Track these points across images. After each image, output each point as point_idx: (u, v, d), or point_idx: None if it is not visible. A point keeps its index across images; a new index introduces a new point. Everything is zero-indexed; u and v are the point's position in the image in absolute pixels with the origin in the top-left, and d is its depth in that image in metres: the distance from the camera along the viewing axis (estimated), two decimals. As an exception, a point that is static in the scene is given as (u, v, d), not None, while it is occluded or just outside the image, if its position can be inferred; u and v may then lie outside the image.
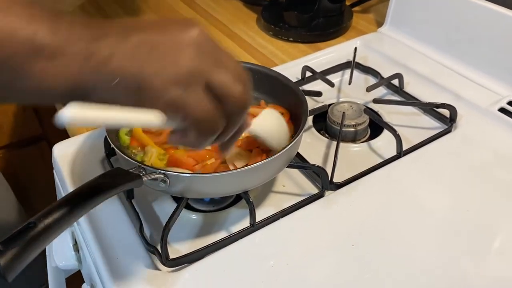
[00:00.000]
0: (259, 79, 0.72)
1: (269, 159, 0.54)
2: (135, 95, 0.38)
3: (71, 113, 0.36)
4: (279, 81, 0.69)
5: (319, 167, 0.63)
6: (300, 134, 0.59)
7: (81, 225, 0.62)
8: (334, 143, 0.74)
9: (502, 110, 0.75)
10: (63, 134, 0.83)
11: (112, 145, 0.57)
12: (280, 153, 0.55)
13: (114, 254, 0.57)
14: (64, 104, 0.37)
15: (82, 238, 0.63)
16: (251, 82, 0.44)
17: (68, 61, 0.37)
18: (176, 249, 0.58)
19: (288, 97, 0.68)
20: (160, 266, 0.55)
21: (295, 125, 0.67)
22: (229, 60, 0.42)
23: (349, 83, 0.82)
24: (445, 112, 0.75)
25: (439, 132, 0.72)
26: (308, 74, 0.86)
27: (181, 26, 0.40)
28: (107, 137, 0.59)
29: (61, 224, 0.41)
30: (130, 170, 0.52)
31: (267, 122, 0.60)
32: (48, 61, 0.36)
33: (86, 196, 0.44)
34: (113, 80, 0.38)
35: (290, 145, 0.57)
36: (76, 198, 0.43)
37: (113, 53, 0.37)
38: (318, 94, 0.78)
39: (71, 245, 0.67)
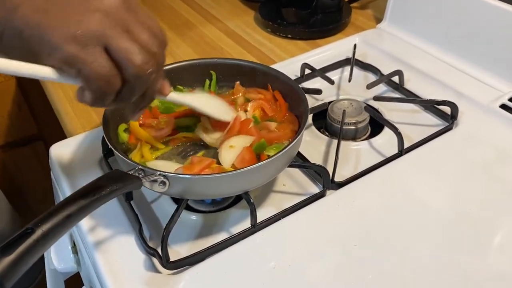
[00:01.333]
0: (258, 77, 0.71)
1: (270, 159, 0.54)
2: (35, 46, 0.41)
3: None
4: (279, 79, 0.68)
5: (320, 166, 0.62)
6: (301, 133, 0.58)
7: (80, 227, 0.61)
8: (335, 141, 0.73)
9: (503, 106, 0.74)
10: (59, 134, 0.82)
11: (110, 146, 0.56)
12: (281, 153, 0.54)
13: (114, 256, 0.56)
14: None
15: (81, 240, 0.62)
16: (163, 57, 0.47)
17: None
18: (176, 251, 0.57)
19: (288, 96, 0.68)
20: (161, 268, 0.55)
21: (297, 124, 0.66)
22: (143, 33, 0.44)
23: (349, 81, 0.81)
24: (446, 109, 0.74)
25: (440, 130, 0.72)
26: (307, 71, 0.85)
27: None
28: (105, 137, 0.58)
29: (59, 229, 0.40)
30: (128, 172, 0.51)
31: (199, 95, 0.63)
32: None
33: (84, 200, 0.43)
34: (17, 29, 0.41)
35: (291, 144, 0.56)
36: (74, 203, 0.42)
37: (23, 3, 0.40)
38: (318, 92, 0.77)
39: (70, 247, 0.66)
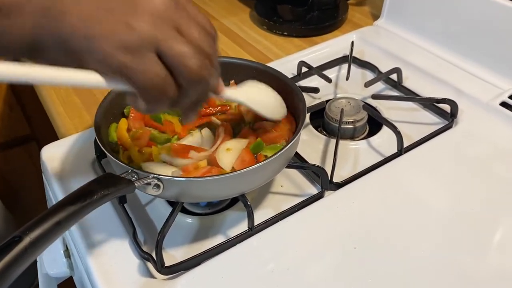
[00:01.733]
0: (254, 75, 0.69)
1: (267, 160, 0.52)
2: (84, 56, 0.39)
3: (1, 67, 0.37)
4: (276, 78, 0.66)
5: (318, 167, 0.61)
6: (299, 133, 0.56)
7: (72, 231, 0.59)
8: (332, 140, 0.72)
9: (503, 104, 0.73)
10: (52, 134, 0.80)
11: (102, 148, 0.55)
12: (279, 153, 0.53)
13: (107, 261, 0.55)
14: (18, 60, 0.39)
15: (73, 244, 0.60)
16: (216, 54, 0.44)
17: (24, 18, 0.38)
18: (171, 255, 0.56)
19: (285, 95, 0.66)
20: (156, 273, 0.53)
21: (294, 123, 0.64)
22: (195, 31, 0.41)
23: (347, 79, 0.80)
24: (446, 107, 0.73)
25: (439, 128, 0.71)
26: (304, 69, 0.83)
27: None
28: (97, 139, 0.56)
29: (48, 237, 0.39)
30: (121, 175, 0.50)
31: (251, 89, 0.59)
32: (4, 18, 0.38)
33: (75, 206, 0.41)
34: (65, 39, 0.38)
35: (289, 145, 0.54)
36: (63, 209, 0.40)
37: (67, 12, 0.38)
38: (315, 90, 0.75)
39: (62, 251, 0.65)
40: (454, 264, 0.53)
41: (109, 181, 0.46)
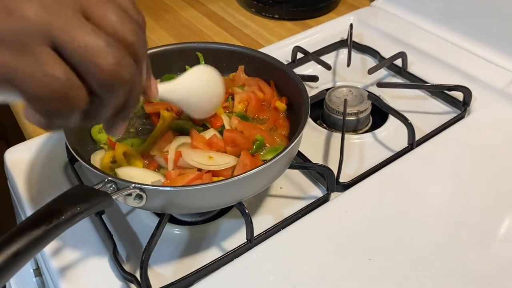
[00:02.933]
0: (245, 63, 0.62)
1: (269, 163, 0.45)
2: None
3: None
4: (271, 66, 0.59)
5: (323, 166, 0.54)
6: (302, 132, 0.49)
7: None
8: (334, 134, 0.65)
9: (519, 90, 0.67)
10: (20, 135, 0.71)
11: (73, 152, 0.47)
12: (281, 155, 0.45)
13: (83, 285, 0.47)
14: None
15: (44, 264, 0.52)
16: (143, 45, 0.32)
17: None
18: (159, 274, 0.48)
19: (282, 85, 0.59)
20: (141, 298, 0.46)
21: (293, 116, 0.57)
22: (111, 15, 0.30)
23: (348, 65, 0.72)
24: (457, 95, 0.67)
25: (452, 118, 0.64)
26: (299, 55, 0.76)
27: None
28: (67, 142, 0.48)
29: (5, 271, 0.31)
30: (95, 186, 0.41)
31: (189, 83, 0.50)
32: None
33: (38, 230, 0.33)
34: None
35: (292, 144, 0.47)
36: (22, 235, 0.32)
37: None
38: (314, 79, 0.68)
39: (32, 270, 0.56)
40: (486, 269, 0.47)
41: (80, 196, 0.38)
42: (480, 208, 0.53)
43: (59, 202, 0.36)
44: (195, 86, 0.50)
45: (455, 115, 0.65)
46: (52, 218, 0.34)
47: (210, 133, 0.52)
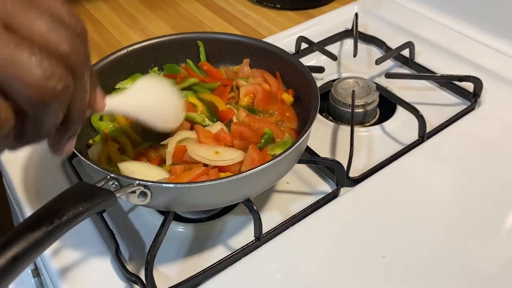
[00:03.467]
0: (249, 54, 0.59)
1: (278, 158, 0.43)
2: None
3: None
4: (277, 56, 0.57)
5: (333, 160, 0.52)
6: (311, 125, 0.47)
7: (40, 248, 0.49)
8: (342, 127, 0.63)
9: (530, 81, 0.65)
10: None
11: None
12: (291, 149, 0.43)
13: (84, 285, 0.45)
14: None
15: (43, 264, 0.50)
16: (83, 53, 0.28)
17: None
18: (163, 274, 0.46)
19: (290, 76, 0.56)
20: (146, 299, 0.44)
21: (300, 109, 0.55)
22: (41, 23, 0.27)
23: (354, 55, 0.70)
24: (467, 86, 0.65)
25: (462, 110, 0.62)
26: (303, 46, 0.73)
27: None
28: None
29: (3, 277, 0.29)
30: (97, 183, 0.39)
31: (141, 92, 0.46)
32: None
33: (38, 232, 0.31)
34: None
35: (302, 138, 0.45)
36: (21, 238, 0.30)
37: None
38: (320, 70, 0.65)
39: (30, 270, 0.54)
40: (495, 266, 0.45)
41: (81, 194, 0.35)
42: (491, 202, 0.51)
43: (60, 202, 0.34)
44: (148, 97, 0.46)
45: (465, 106, 0.63)
46: (53, 219, 0.32)
47: (216, 127, 0.50)
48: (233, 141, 0.48)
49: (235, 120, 0.51)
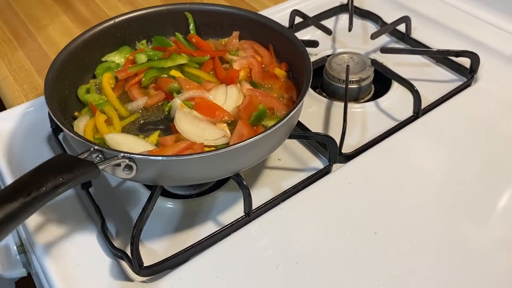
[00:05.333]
0: (241, 27, 0.57)
1: (267, 131, 0.41)
2: None
3: None
4: (270, 29, 0.55)
5: (326, 135, 0.50)
6: (303, 98, 0.45)
7: (25, 224, 0.48)
8: (335, 103, 0.61)
9: (528, 57, 0.64)
10: (1, 102, 0.67)
11: (55, 118, 0.43)
12: (280, 123, 0.42)
13: (70, 262, 0.44)
14: None
15: (28, 240, 0.49)
16: None
17: None
18: (152, 250, 0.45)
19: (282, 50, 0.55)
20: (132, 275, 0.43)
21: (293, 83, 0.53)
22: None
23: (349, 30, 0.68)
24: (464, 62, 0.63)
25: (458, 86, 0.61)
26: (297, 20, 0.71)
27: None
28: (49, 110, 0.44)
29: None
30: (81, 156, 0.38)
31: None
32: None
33: (15, 203, 0.30)
34: None
35: (294, 110, 0.43)
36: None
37: None
38: (314, 44, 0.64)
39: (15, 247, 0.53)
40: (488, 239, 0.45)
41: (62, 166, 0.34)
42: (485, 180, 0.51)
43: (39, 172, 0.32)
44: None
45: (461, 83, 0.62)
46: (30, 190, 0.31)
47: (222, 89, 0.48)
48: (230, 115, 0.48)
49: (237, 94, 0.50)
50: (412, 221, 0.46)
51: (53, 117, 0.43)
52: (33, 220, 0.47)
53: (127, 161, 0.39)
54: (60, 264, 0.43)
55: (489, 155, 0.53)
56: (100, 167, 0.37)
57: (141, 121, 0.50)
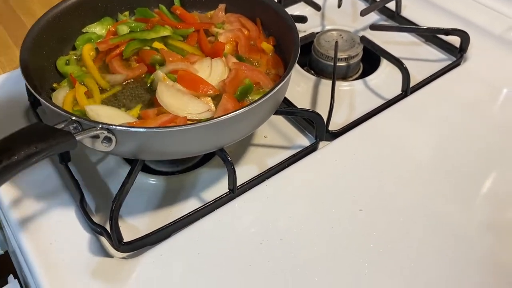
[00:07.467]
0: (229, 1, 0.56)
1: (254, 104, 0.40)
2: None
3: None
4: (257, 1, 0.53)
5: (313, 112, 0.49)
6: (290, 72, 0.44)
7: (1, 199, 0.46)
8: (323, 81, 0.60)
9: (518, 37, 0.63)
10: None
11: (31, 90, 0.41)
12: (266, 97, 0.41)
13: (47, 238, 0.42)
14: None
15: (3, 216, 0.47)
16: None
17: None
18: (132, 227, 0.44)
19: (270, 23, 0.53)
20: (112, 251, 0.42)
21: (281, 58, 0.52)
22: None
23: (339, 6, 0.67)
24: (453, 41, 0.62)
25: (448, 65, 0.60)
26: (285, -5, 0.70)
27: None
28: (23, 75, 0.42)
29: None
30: (57, 126, 0.36)
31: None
32: None
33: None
34: None
35: (280, 84, 0.42)
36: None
37: None
38: (303, 19, 0.62)
39: (-8, 223, 0.51)
40: (472, 217, 0.44)
41: (37, 135, 0.32)
42: (471, 161, 0.50)
43: (11, 141, 0.31)
44: None
45: (450, 62, 0.61)
46: (1, 158, 0.29)
47: (206, 62, 0.47)
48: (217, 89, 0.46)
49: (223, 67, 0.48)
50: (398, 200, 0.46)
51: (28, 86, 0.41)
52: (9, 195, 0.46)
53: (105, 132, 0.37)
54: (37, 239, 0.42)
55: (477, 135, 0.53)
56: (77, 138, 0.35)
57: (123, 94, 0.48)
